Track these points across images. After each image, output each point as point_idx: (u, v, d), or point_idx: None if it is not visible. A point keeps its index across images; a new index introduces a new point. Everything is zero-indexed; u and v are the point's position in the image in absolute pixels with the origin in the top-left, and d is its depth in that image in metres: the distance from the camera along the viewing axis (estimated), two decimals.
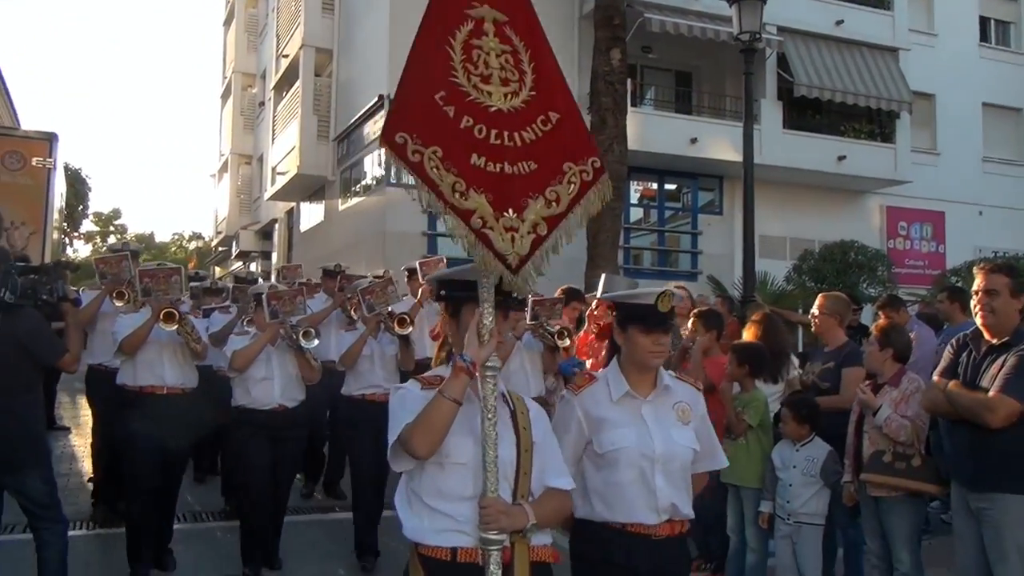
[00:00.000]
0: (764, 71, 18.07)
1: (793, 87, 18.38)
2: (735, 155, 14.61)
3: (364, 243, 17.95)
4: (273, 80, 24.99)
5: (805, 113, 19.44)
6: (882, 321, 5.31)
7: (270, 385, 5.32)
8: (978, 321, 3.88)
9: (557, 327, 5.68)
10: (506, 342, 2.58)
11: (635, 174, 17.52)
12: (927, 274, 19.79)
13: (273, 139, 24.54)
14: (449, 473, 2.36)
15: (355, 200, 19.75)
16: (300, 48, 21.52)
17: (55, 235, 12.55)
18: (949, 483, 4.10)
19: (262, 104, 28.30)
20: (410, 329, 5.78)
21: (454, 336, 2.51)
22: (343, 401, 5.95)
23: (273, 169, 24.36)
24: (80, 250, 45.48)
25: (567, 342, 5.67)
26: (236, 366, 5.24)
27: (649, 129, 17.13)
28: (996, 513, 3.71)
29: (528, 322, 5.58)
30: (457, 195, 2.30)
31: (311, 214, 23.65)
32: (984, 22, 22.85)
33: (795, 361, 6.00)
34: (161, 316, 5.13)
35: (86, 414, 7.47)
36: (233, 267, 32.45)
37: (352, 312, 6.62)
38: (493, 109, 2.38)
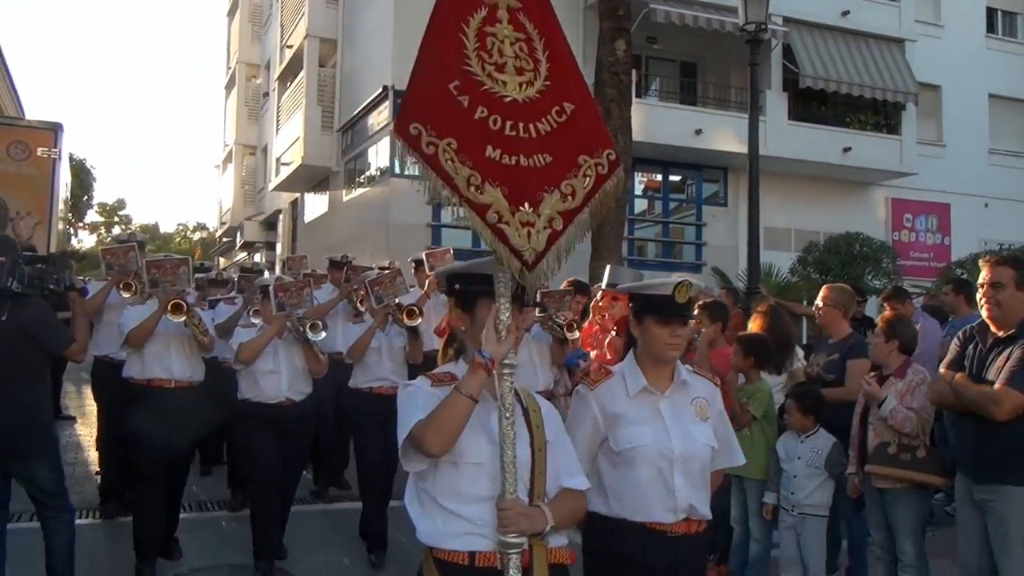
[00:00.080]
0: (769, 62, 18.02)
1: (799, 78, 18.33)
2: (740, 146, 14.57)
3: (368, 234, 17.95)
4: (277, 70, 24.99)
5: (810, 104, 19.39)
6: (888, 313, 5.30)
7: (277, 378, 5.24)
8: (984, 314, 3.88)
9: (566, 319, 5.67)
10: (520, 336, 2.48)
11: (640, 165, 17.50)
12: (932, 266, 19.77)
13: (277, 130, 24.56)
14: (464, 473, 2.28)
15: (359, 191, 19.76)
16: (304, 38, 21.51)
17: (60, 225, 12.59)
18: (954, 475, 4.10)
19: (266, 95, 28.30)
20: (419, 320, 5.70)
21: (468, 331, 2.42)
22: (350, 393, 5.89)
23: (277, 160, 24.37)
24: (85, 241, 45.57)
25: (576, 334, 5.64)
26: (243, 359, 5.15)
27: (654, 120, 17.09)
28: (1001, 505, 3.72)
29: (536, 314, 5.57)
30: (472, 188, 2.24)
31: (315, 205, 23.66)
32: (991, 13, 22.75)
33: (799, 353, 6.00)
34: (169, 307, 5.06)
35: (92, 404, 7.49)
36: (237, 258, 32.47)
37: (359, 304, 6.58)
38: (508, 99, 2.32)
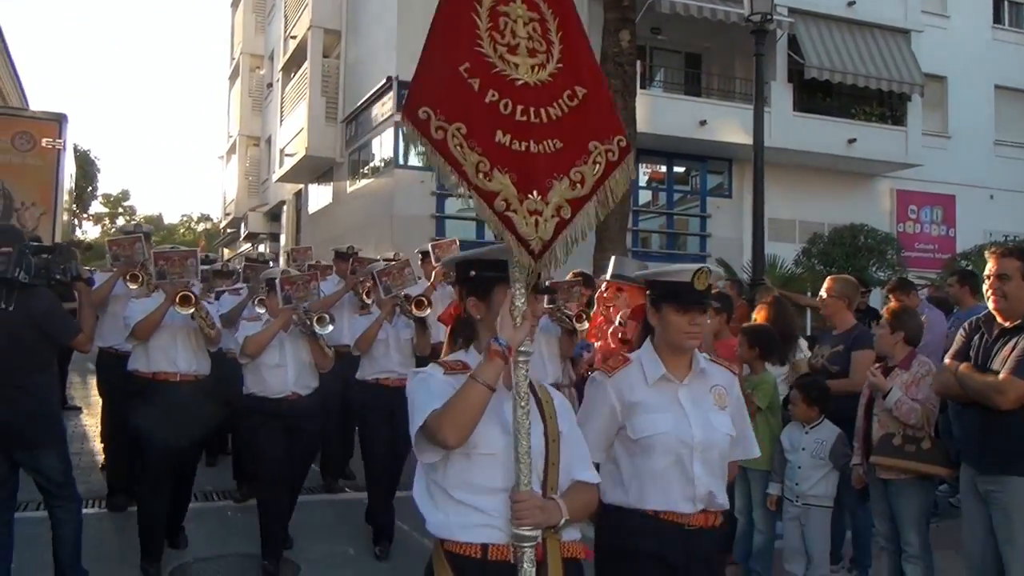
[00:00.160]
0: (775, 53, 17.97)
1: (804, 69, 18.27)
2: (744, 138, 14.55)
3: (372, 225, 17.95)
4: (281, 61, 24.95)
5: (815, 95, 19.33)
6: (893, 304, 5.30)
7: (283, 372, 5.17)
8: (990, 305, 3.88)
9: (575, 310, 5.65)
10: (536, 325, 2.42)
11: (644, 157, 17.48)
12: (937, 258, 19.74)
13: (281, 121, 24.54)
14: (477, 464, 2.21)
15: (363, 182, 19.75)
16: (308, 29, 21.47)
17: (65, 216, 12.59)
18: (958, 466, 4.11)
19: (270, 85, 28.26)
20: (428, 311, 5.64)
21: (484, 318, 2.34)
22: (357, 385, 5.84)
23: (281, 151, 24.37)
24: (89, 232, 45.64)
25: (585, 325, 5.61)
26: (248, 352, 5.08)
27: (658, 111, 17.06)
28: (1005, 496, 3.72)
29: (545, 305, 5.53)
30: (481, 175, 2.18)
31: (319, 196, 23.66)
32: (998, 4, 22.67)
33: (803, 344, 6.00)
34: (177, 299, 5.01)
35: (97, 395, 7.51)
36: (241, 249, 32.51)
37: (365, 296, 6.56)
38: (520, 83, 2.25)
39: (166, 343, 5.22)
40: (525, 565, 2.15)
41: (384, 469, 5.64)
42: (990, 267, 3.87)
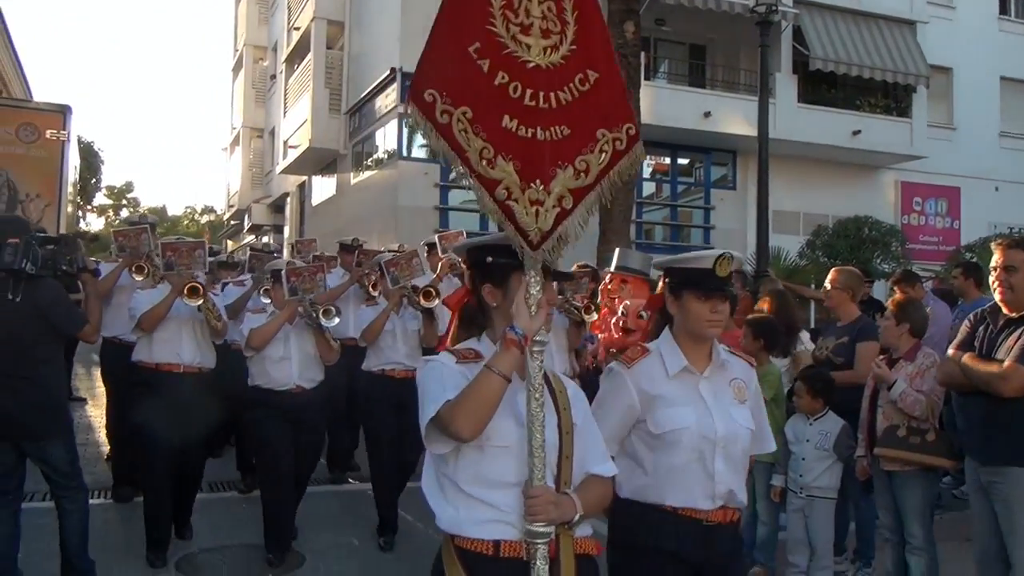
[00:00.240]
0: (779, 44, 17.89)
1: (809, 60, 18.22)
2: (749, 129, 14.52)
3: (376, 217, 17.95)
4: (284, 53, 24.93)
5: (820, 87, 19.28)
6: (899, 296, 5.29)
7: (288, 365, 5.12)
8: (996, 297, 3.87)
9: (583, 302, 5.63)
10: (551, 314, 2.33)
11: (648, 148, 17.01)
12: (941, 250, 19.70)
13: (285, 112, 24.52)
14: (490, 457, 2.14)
15: (367, 174, 19.74)
16: (312, 20, 21.44)
17: (69, 208, 12.60)
18: (962, 458, 4.11)
19: (273, 77, 28.24)
20: (436, 302, 5.56)
21: (500, 306, 2.25)
22: (363, 376, 5.80)
23: (285, 142, 24.36)
24: (93, 223, 45.62)
25: (594, 316, 5.59)
26: (253, 345, 5.02)
27: (662, 103, 17.02)
28: (1006, 487, 3.72)
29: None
30: (484, 163, 2.11)
31: (323, 188, 23.66)
32: None
33: (803, 336, 6.00)
34: (186, 291, 4.98)
35: (102, 386, 7.53)
36: (245, 240, 32.53)
37: (371, 288, 6.54)
38: (531, 65, 2.15)
39: (171, 335, 5.19)
40: (538, 562, 2.09)
41: (389, 461, 5.63)
42: (997, 259, 3.86)
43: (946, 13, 20.99)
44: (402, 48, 16.35)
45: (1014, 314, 3.78)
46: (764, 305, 5.62)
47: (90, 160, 31.79)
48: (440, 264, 6.51)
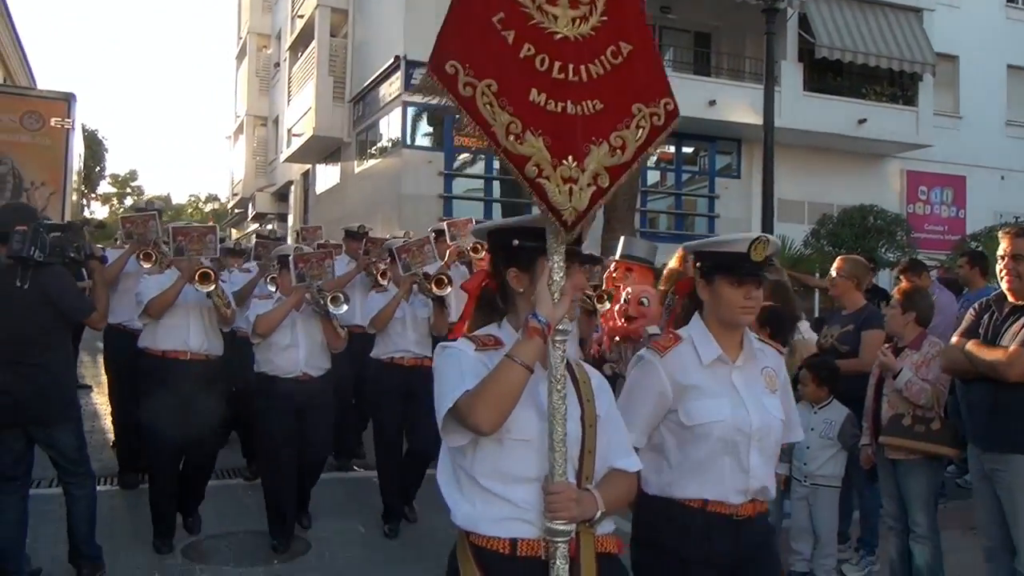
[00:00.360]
0: (785, 32, 17.82)
1: (814, 48, 18.13)
2: (753, 117, 14.48)
3: (380, 205, 17.94)
4: (288, 41, 24.87)
5: (826, 75, 19.21)
6: (904, 284, 5.28)
7: (295, 352, 5.07)
8: (1003, 285, 3.86)
9: (596, 290, 5.62)
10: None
11: None
12: (947, 239, 19.65)
13: (288, 101, 24.49)
14: (509, 451, 2.03)
15: (371, 162, 19.72)
16: (315, 8, 21.38)
17: (74, 196, 12.59)
18: (967, 446, 4.11)
19: (277, 65, 28.19)
20: (449, 290, 5.50)
21: (526, 292, 2.12)
22: (371, 364, 5.76)
23: (289, 131, 24.32)
24: (97, 212, 45.66)
25: (607, 304, 5.58)
26: (260, 332, 4.97)
27: None
28: (1008, 475, 3.72)
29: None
30: (512, 138, 1.99)
31: (327, 176, 23.64)
32: None
33: (801, 326, 5.98)
34: (197, 277, 4.91)
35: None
36: (249, 229, 32.54)
37: (379, 276, 6.53)
38: (559, 36, 2.03)
39: (178, 321, 5.12)
40: (558, 561, 2.00)
41: (395, 447, 5.64)
42: (1004, 247, 3.85)
43: (953, 1, 20.86)
44: (406, 36, 16.30)
45: (1020, 302, 3.78)
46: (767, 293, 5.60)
47: (94, 148, 31.79)
48: (448, 251, 6.47)
